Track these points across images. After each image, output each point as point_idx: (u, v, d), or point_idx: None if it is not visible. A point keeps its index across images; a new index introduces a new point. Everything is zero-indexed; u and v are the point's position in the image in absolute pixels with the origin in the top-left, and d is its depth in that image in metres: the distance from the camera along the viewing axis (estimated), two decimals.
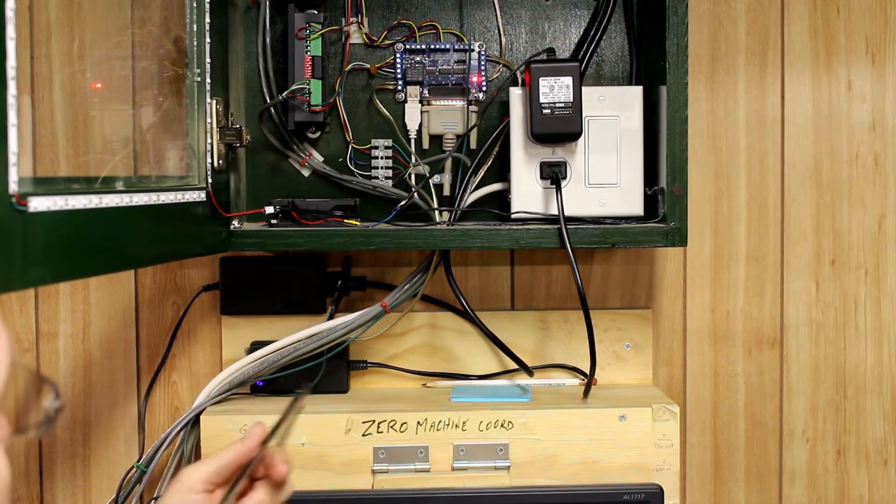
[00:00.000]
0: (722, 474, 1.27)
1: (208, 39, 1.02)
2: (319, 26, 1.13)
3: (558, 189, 1.07)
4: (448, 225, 1.11)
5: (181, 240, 0.97)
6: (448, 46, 1.18)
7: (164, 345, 1.23)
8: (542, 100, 1.06)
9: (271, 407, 1.11)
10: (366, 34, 1.17)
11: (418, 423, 1.08)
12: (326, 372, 1.16)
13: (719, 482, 1.27)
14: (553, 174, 1.09)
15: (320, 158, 1.19)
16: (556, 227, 1.05)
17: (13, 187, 0.68)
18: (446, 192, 1.18)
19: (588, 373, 1.11)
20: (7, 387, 0.53)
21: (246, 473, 0.86)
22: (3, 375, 0.52)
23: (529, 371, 1.20)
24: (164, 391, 1.24)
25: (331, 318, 1.16)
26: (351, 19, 1.17)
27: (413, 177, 1.18)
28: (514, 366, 1.20)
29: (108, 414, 1.24)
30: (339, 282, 1.20)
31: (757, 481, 1.27)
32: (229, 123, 1.09)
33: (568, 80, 1.06)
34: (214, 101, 1.03)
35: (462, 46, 1.18)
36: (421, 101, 1.18)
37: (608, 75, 1.20)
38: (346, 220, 1.12)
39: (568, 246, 1.03)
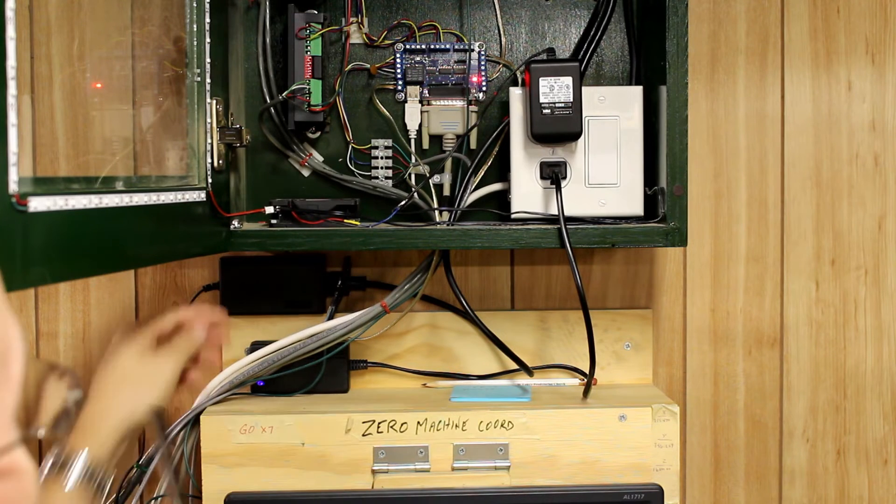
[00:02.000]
0: (722, 474, 1.27)
1: (208, 39, 1.02)
2: (319, 26, 1.13)
3: (558, 189, 1.07)
4: (448, 225, 1.11)
5: (181, 240, 0.97)
6: (448, 46, 1.18)
7: None
8: (542, 100, 1.06)
9: (271, 407, 1.11)
10: (366, 34, 1.17)
11: (418, 423, 1.08)
12: (326, 372, 1.16)
13: (719, 482, 1.27)
14: (553, 174, 1.09)
15: (320, 158, 1.19)
16: (556, 227, 1.05)
17: (13, 187, 0.68)
18: (446, 192, 1.18)
19: (588, 373, 1.11)
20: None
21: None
22: (19, 369, 0.48)
23: (529, 371, 1.20)
24: None
25: (331, 318, 1.16)
26: (351, 19, 1.17)
27: (413, 177, 1.18)
28: (514, 366, 1.20)
29: None
30: (339, 282, 1.20)
31: (757, 481, 1.27)
32: (229, 123, 1.09)
33: (568, 80, 1.06)
34: (214, 101, 1.03)
35: (462, 46, 1.18)
36: (421, 101, 1.18)
37: (608, 75, 1.20)
38: (346, 220, 1.12)
39: (568, 246, 1.03)
